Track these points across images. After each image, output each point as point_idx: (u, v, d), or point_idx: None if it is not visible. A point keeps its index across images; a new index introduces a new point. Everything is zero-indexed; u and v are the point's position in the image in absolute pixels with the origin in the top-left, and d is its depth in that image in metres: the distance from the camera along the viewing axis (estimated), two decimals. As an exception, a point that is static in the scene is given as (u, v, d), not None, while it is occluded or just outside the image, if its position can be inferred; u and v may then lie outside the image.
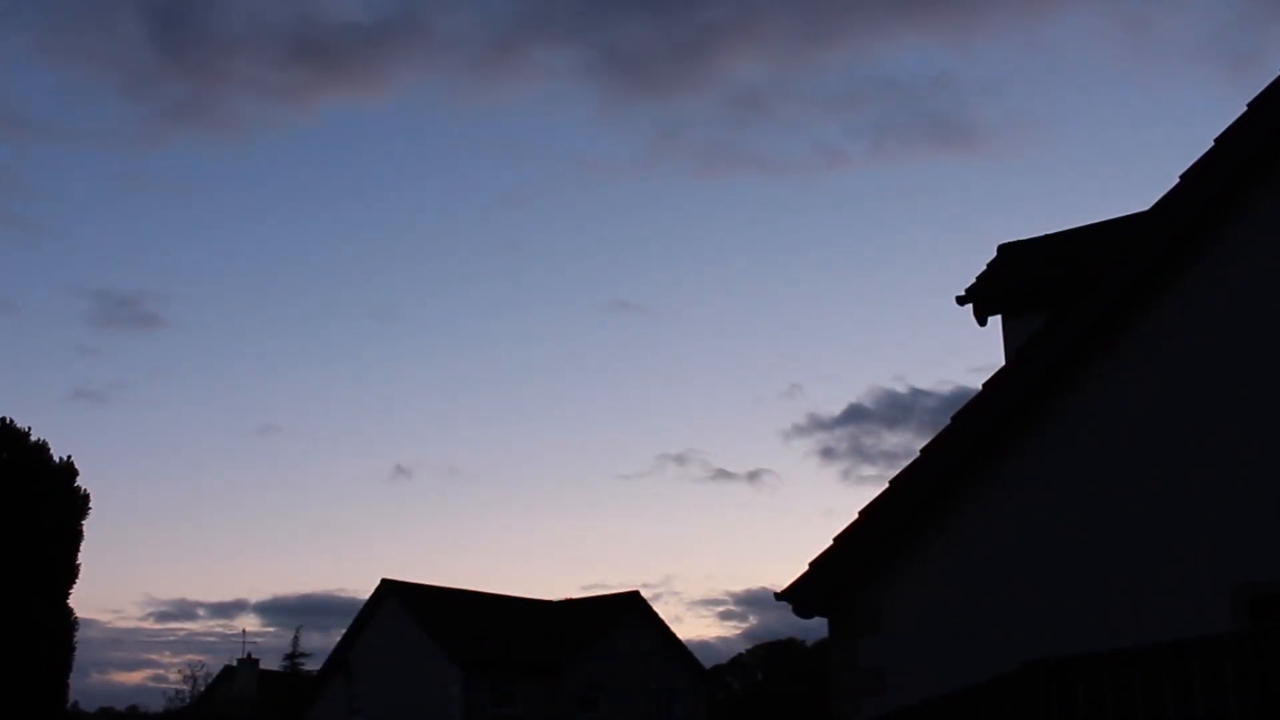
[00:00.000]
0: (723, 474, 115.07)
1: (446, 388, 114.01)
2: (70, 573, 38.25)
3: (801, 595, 12.26)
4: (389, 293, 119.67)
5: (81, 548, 38.87)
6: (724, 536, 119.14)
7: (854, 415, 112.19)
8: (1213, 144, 10.98)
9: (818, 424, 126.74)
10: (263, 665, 59.59)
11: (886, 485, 12.06)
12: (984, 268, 14.42)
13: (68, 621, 38.10)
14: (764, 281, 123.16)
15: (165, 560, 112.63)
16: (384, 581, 50.95)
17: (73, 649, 38.36)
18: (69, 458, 39.11)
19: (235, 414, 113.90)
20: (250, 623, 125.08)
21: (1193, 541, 10.67)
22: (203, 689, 52.72)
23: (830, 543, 12.21)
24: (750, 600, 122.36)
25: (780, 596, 12.37)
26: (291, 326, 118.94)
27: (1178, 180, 11.09)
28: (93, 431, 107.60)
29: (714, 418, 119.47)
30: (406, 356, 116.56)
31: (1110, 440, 11.24)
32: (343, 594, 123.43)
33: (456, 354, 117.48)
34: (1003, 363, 12.48)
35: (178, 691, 52.07)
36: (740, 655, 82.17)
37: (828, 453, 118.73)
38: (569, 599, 57.57)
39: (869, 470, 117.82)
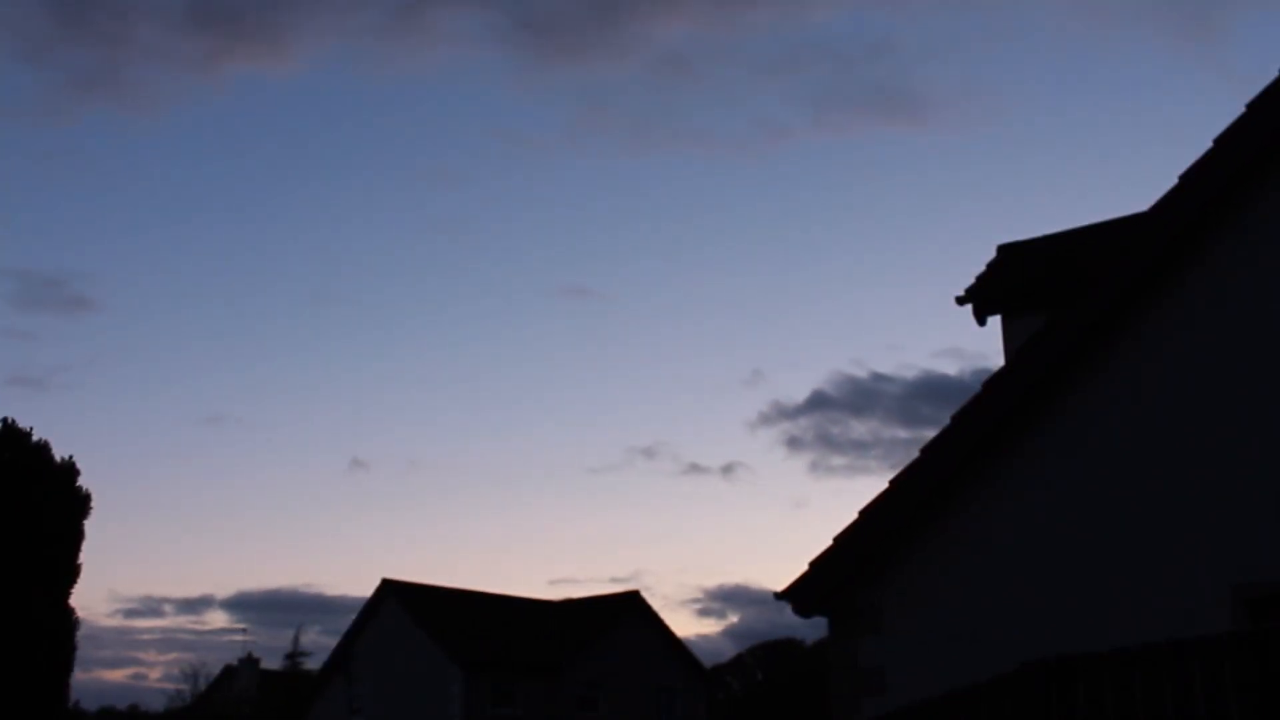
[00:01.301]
0: (694, 468, 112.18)
1: (401, 376, 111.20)
2: (71, 572, 38.27)
3: (801, 595, 12.27)
4: (325, 274, 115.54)
5: (83, 547, 38.93)
6: (695, 531, 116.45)
7: (818, 402, 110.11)
8: (1212, 144, 11.00)
9: (782, 413, 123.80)
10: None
11: (886, 485, 12.09)
12: (984, 268, 14.43)
13: (69, 621, 38.13)
14: (712, 263, 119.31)
15: (124, 555, 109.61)
16: (384, 581, 50.96)
17: (74, 648, 38.40)
18: (70, 458, 39.17)
19: (181, 402, 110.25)
20: (219, 619, 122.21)
21: (1192, 541, 10.69)
22: (204, 688, 52.75)
23: (830, 542, 12.23)
24: (726, 597, 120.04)
25: (780, 596, 12.38)
26: (230, 308, 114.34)
27: (1177, 181, 11.11)
28: (33, 418, 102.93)
29: (678, 408, 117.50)
30: (353, 342, 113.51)
31: (1110, 440, 11.25)
32: (309, 589, 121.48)
33: (405, 340, 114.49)
34: (1002, 363, 12.48)
35: (178, 690, 52.16)
36: (740, 655, 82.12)
37: (794, 443, 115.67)
38: (569, 599, 57.64)
39: (838, 460, 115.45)
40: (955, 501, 11.85)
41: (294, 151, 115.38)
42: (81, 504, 39.08)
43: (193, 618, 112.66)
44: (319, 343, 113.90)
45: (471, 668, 47.67)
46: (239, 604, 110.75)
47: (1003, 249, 15.13)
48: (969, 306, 13.52)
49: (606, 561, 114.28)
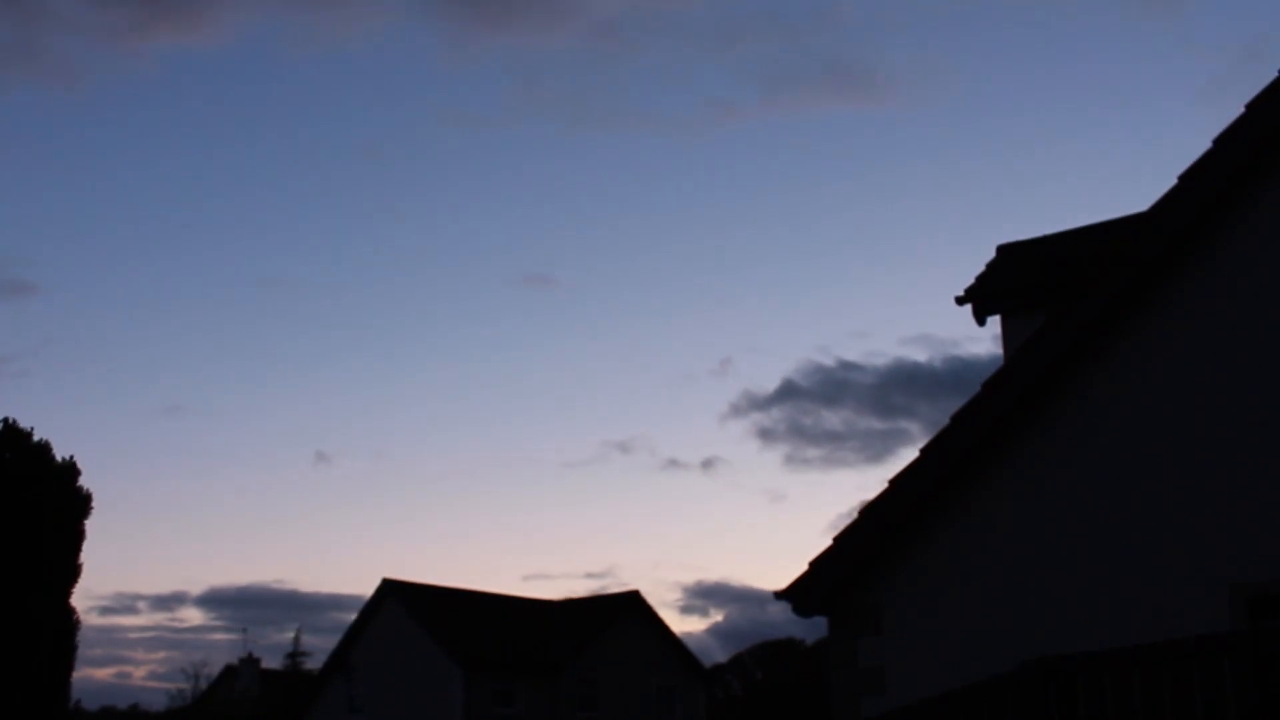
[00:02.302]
0: (671, 463, 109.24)
1: (364, 368, 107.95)
2: (72, 572, 38.27)
3: (801, 594, 12.28)
4: (269, 258, 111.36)
5: (84, 547, 38.94)
6: (671, 527, 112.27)
7: (788, 392, 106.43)
8: (1211, 144, 11.01)
9: (754, 403, 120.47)
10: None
11: (886, 485, 12.10)
12: (983, 268, 14.44)
13: (69, 621, 38.14)
14: (671, 247, 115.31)
15: (89, 551, 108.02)
16: (385, 581, 50.97)
17: (74, 648, 38.41)
18: (71, 458, 39.18)
19: (136, 391, 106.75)
20: (194, 615, 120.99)
21: (1192, 540, 10.70)
22: (204, 688, 52.76)
23: (830, 542, 12.25)
24: (708, 594, 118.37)
25: (780, 596, 12.39)
26: (175, 292, 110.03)
27: (1176, 181, 11.13)
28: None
29: (649, 399, 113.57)
30: (309, 330, 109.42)
31: (1109, 440, 11.26)
32: (281, 585, 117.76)
33: (365, 330, 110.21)
34: (1002, 363, 12.50)
35: (179, 690, 52.16)
36: (740, 655, 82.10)
37: (766, 434, 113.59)
38: (569, 599, 57.69)
39: (812, 452, 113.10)
40: (955, 501, 11.86)
41: (226, 127, 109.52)
42: (82, 504, 39.08)
43: (168, 615, 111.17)
44: (272, 329, 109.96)
45: (471, 668, 47.68)
46: (213, 600, 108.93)
47: (1002, 249, 15.14)
48: (968, 306, 13.53)
49: (581, 557, 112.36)
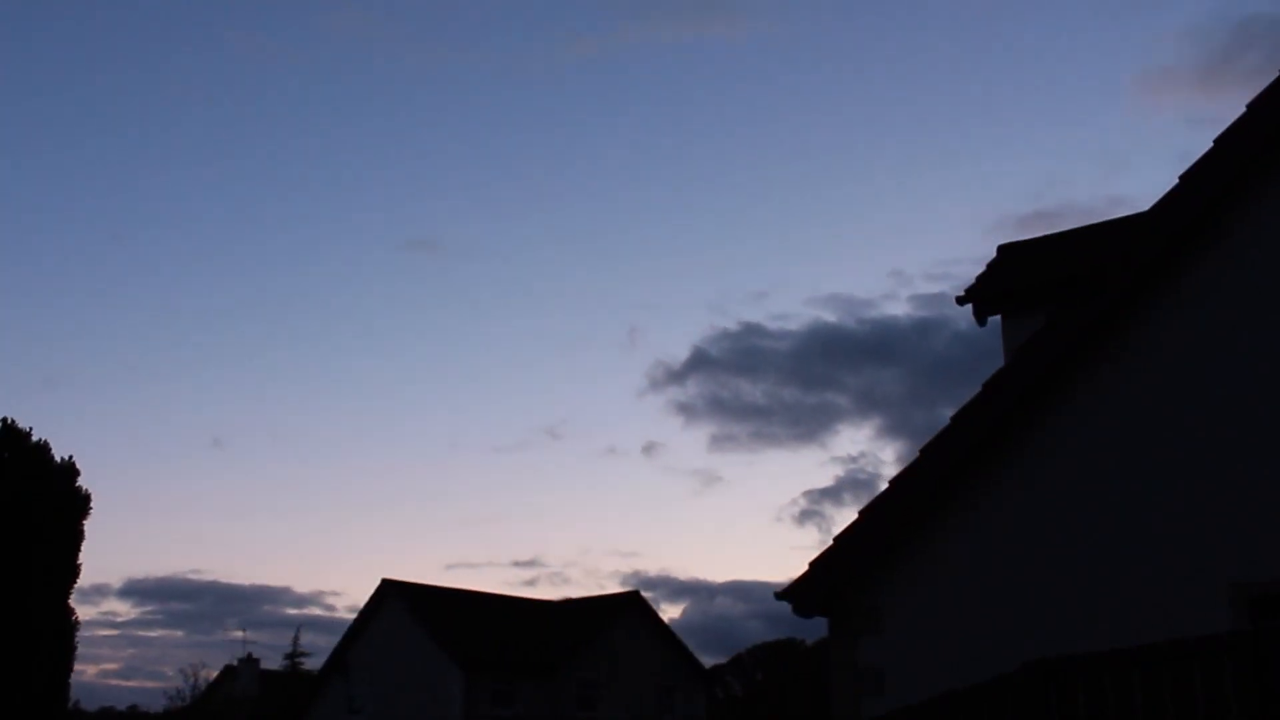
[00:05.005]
0: (587, 443, 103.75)
1: (260, 350, 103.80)
2: (71, 572, 38.25)
3: (801, 595, 12.28)
4: (117, 219, 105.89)
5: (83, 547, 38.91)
6: (598, 512, 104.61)
7: (700, 362, 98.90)
8: (1212, 144, 11.00)
9: (670, 376, 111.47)
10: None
11: (887, 484, 12.11)
12: (984, 268, 14.44)
13: (68, 621, 38.12)
14: (546, 202, 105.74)
15: None
16: (384, 582, 50.96)
17: (73, 648, 38.39)
18: (70, 458, 39.15)
19: (10, 364, 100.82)
20: (119, 607, 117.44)
21: (1192, 540, 10.69)
22: (203, 689, 52.74)
23: (830, 542, 12.26)
24: (650, 587, 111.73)
25: (780, 596, 12.40)
26: (39, 262, 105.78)
27: (1177, 181, 11.12)
28: None
29: (562, 378, 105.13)
30: (190, 310, 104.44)
31: (1110, 439, 11.25)
32: (199, 576, 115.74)
33: (252, 309, 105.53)
34: (1002, 363, 12.49)
35: (178, 691, 52.12)
36: (740, 655, 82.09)
37: (686, 409, 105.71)
38: (568, 599, 57.67)
39: (737, 428, 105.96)
40: (955, 501, 11.85)
41: (31, 68, 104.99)
42: (81, 504, 39.06)
43: (93, 608, 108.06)
44: (152, 303, 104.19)
45: (471, 668, 47.66)
46: (136, 591, 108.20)
47: (1003, 249, 15.14)
48: (969, 306, 13.52)
49: (506, 545, 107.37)
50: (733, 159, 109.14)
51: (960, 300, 13.56)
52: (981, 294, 13.53)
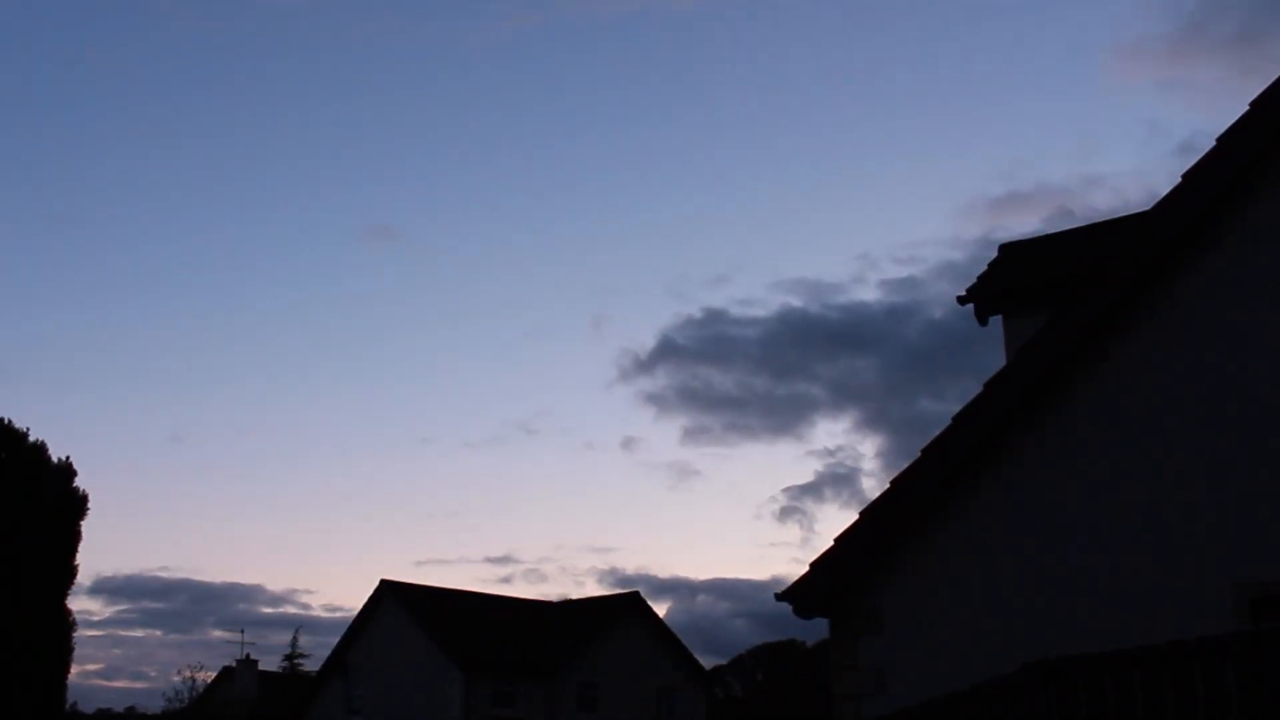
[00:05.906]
0: (562, 436, 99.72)
1: (222, 345, 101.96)
2: (68, 573, 38.21)
3: (802, 596, 12.25)
4: (62, 197, 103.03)
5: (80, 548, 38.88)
6: (572, 507, 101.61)
7: (668, 350, 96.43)
8: (1214, 143, 10.97)
9: (638, 365, 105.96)
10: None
11: (887, 485, 12.09)
12: (985, 268, 14.41)
13: (66, 622, 38.07)
14: (499, 184, 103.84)
15: None
16: (383, 582, 50.95)
17: (71, 649, 38.35)
18: (68, 458, 39.12)
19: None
20: (91, 605, 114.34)
21: (1194, 541, 10.66)
22: (202, 690, 52.68)
23: (830, 543, 12.23)
24: (629, 584, 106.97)
25: (781, 597, 12.37)
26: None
27: (1179, 180, 11.09)
28: None
29: (525, 366, 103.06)
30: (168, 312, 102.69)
31: (1111, 440, 11.22)
32: (168, 574, 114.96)
33: (216, 304, 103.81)
34: (1003, 363, 12.46)
35: (176, 692, 52.05)
36: (740, 655, 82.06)
37: (657, 400, 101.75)
38: (568, 599, 57.64)
39: (710, 420, 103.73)
40: (956, 501, 11.82)
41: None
42: (79, 504, 39.02)
43: (73, 607, 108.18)
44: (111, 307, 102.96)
45: (471, 668, 47.62)
46: (106, 589, 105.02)
47: (1004, 249, 15.11)
48: (970, 306, 13.49)
49: (478, 541, 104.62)
50: (690, 136, 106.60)
51: (961, 300, 13.53)
52: (983, 294, 13.50)
